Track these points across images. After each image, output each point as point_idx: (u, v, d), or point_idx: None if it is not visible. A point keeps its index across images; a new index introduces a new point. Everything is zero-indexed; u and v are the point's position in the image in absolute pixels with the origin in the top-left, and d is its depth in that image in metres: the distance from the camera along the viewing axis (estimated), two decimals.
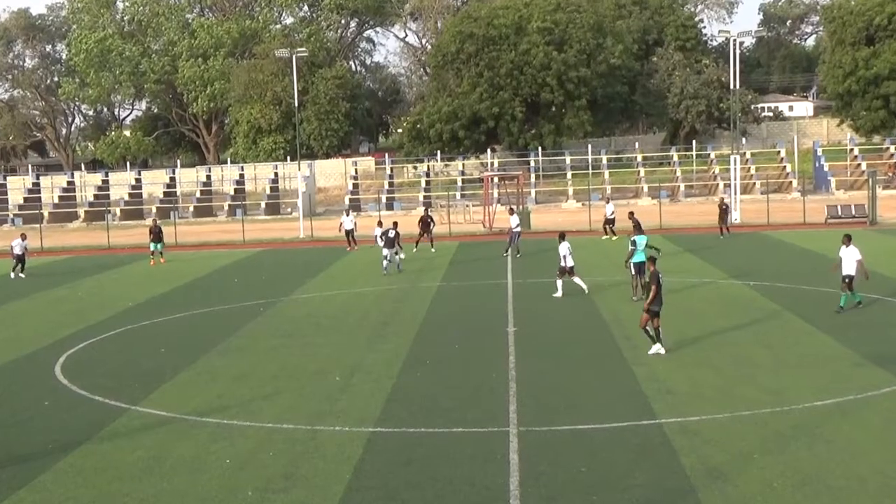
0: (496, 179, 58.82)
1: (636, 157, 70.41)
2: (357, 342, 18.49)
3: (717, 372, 14.95)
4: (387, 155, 76.25)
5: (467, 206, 54.25)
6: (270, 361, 17.00)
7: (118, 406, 14.15)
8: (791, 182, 62.84)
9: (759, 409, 12.69)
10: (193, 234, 49.66)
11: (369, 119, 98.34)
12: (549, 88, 71.65)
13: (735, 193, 45.45)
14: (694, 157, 69.62)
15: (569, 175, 68.04)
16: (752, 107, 77.47)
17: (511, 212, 33.83)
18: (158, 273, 32.27)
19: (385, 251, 29.16)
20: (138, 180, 72.66)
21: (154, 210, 65.38)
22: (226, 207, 65.76)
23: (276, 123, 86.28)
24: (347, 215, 38.19)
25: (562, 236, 23.30)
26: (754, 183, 62.34)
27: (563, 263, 22.70)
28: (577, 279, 22.85)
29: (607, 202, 38.38)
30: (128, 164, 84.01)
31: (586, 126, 73.32)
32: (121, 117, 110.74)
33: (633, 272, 21.97)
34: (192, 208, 66.10)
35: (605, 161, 69.53)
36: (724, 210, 36.02)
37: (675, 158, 68.64)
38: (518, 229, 32.48)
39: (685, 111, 75.12)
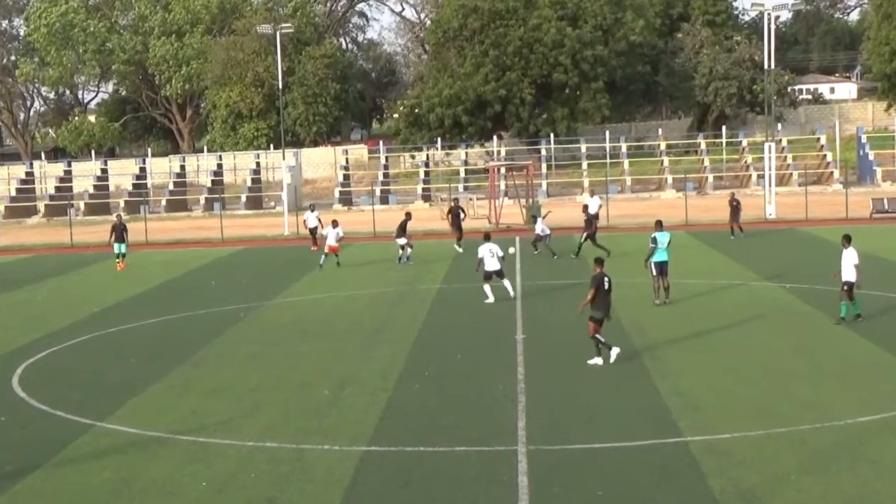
0: (503, 170, 58.85)
1: (659, 145, 70.43)
2: (348, 351, 18.49)
3: (749, 384, 14.95)
4: (381, 143, 76.29)
5: (471, 199, 54.28)
6: (252, 373, 17.00)
7: (82, 422, 14.15)
8: (832, 173, 62.84)
9: (796, 426, 12.69)
10: (166, 231, 49.70)
11: (362, 103, 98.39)
12: (563, 69, 71.65)
13: (769, 185, 45.44)
14: (724, 144, 69.63)
15: (584, 165, 68.07)
16: (789, 89, 77.45)
17: (536, 216, 33.75)
18: (127, 275, 32.28)
19: (400, 241, 30.93)
20: (104, 171, 72.73)
21: (122, 204, 65.43)
22: (202, 201, 65.82)
23: (257, 108, 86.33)
24: (312, 211, 37.62)
25: (486, 237, 23.60)
26: (791, 174, 62.35)
27: (485, 267, 22.81)
28: (506, 283, 23.02)
29: (591, 195, 38.26)
30: (93, 152, 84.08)
31: (603, 110, 73.34)
32: (85, 101, 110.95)
33: (654, 273, 22.00)
34: (164, 202, 66.18)
35: (624, 149, 69.56)
36: (734, 207, 35.79)
37: (703, 146, 68.67)
38: (545, 231, 32.29)
39: (714, 94, 75.08)
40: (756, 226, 40.81)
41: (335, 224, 31.08)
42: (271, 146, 77.49)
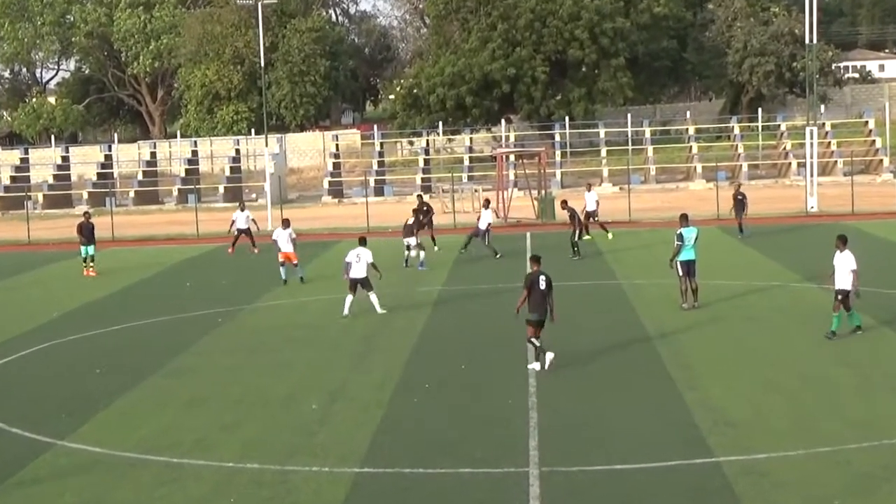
0: (512, 158, 58.82)
1: (687, 130, 70.38)
2: (339, 360, 18.51)
3: (788, 398, 14.95)
4: (375, 127, 76.30)
5: (476, 190, 54.31)
6: (231, 385, 17.02)
7: (41, 441, 14.17)
8: (881, 161, 62.78)
9: (841, 445, 12.69)
10: (135, 226, 49.75)
11: (354, 82, 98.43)
12: (579, 44, 71.61)
13: (811, 175, 45.43)
14: (760, 129, 69.58)
15: (603, 152, 68.06)
16: (833, 66, 77.38)
17: (486, 204, 33.24)
18: (92, 276, 32.29)
19: (407, 240, 30.28)
20: (66, 159, 72.78)
21: (85, 196, 65.50)
22: (175, 193, 65.86)
23: (237, 88, 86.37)
24: (242, 210, 36.26)
25: (361, 241, 23.15)
26: (835, 162, 62.30)
27: (350, 274, 22.40)
28: (372, 296, 22.41)
29: (588, 189, 38.23)
30: (52, 138, 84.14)
31: (625, 91, 73.31)
32: (43, 80, 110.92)
33: (681, 273, 22.01)
34: (132, 194, 66.20)
35: (648, 134, 69.55)
36: (739, 201, 35.64)
37: (737, 131, 68.61)
38: (486, 227, 32.09)
39: (749, 72, 75.02)
40: (797, 220, 40.81)
41: (286, 224, 28.07)
42: (252, 131, 77.47)
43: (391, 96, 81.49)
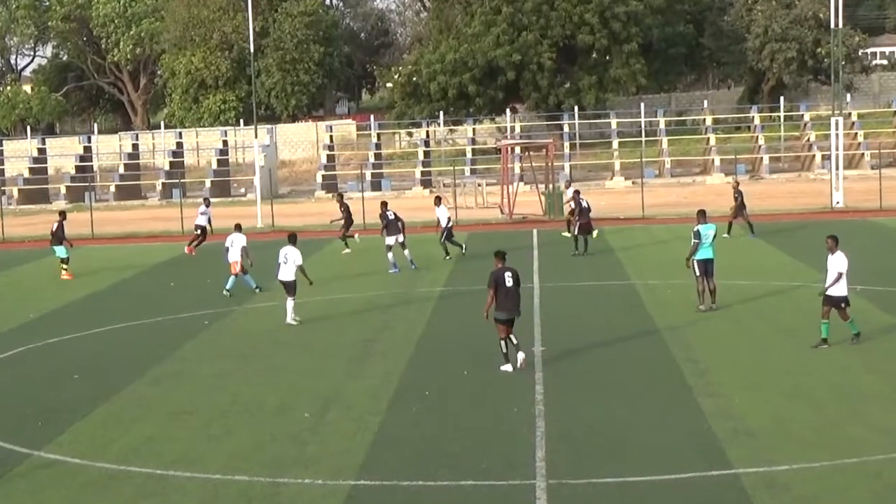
0: (518, 150, 58.79)
1: (704, 120, 70.40)
2: (333, 366, 18.51)
3: (813, 406, 14.95)
4: (372, 117, 76.33)
5: (479, 185, 54.31)
6: (218, 392, 17.02)
7: (16, 451, 14.17)
8: None
9: (869, 456, 12.69)
10: (116, 223, 49.75)
11: (349, 70, 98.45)
12: (589, 28, 71.61)
13: (837, 168, 45.41)
14: (781, 119, 69.57)
15: (615, 144, 68.08)
16: (860, 52, 77.32)
17: (438, 202, 32.48)
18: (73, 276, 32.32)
19: (389, 240, 29.67)
20: (42, 151, 72.80)
21: (63, 190, 65.56)
22: (158, 187, 65.88)
23: (224, 76, 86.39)
24: (207, 206, 36.28)
25: (290, 237, 22.55)
26: (862, 154, 62.29)
27: (279, 276, 21.98)
28: (289, 303, 21.72)
29: (567, 186, 38.29)
30: (28, 129, 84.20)
31: (638, 78, 73.29)
32: (18, 67, 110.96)
33: (698, 273, 22.01)
34: (113, 188, 66.23)
35: (662, 125, 69.57)
36: (740, 200, 35.26)
37: (757, 121, 68.62)
38: (449, 224, 31.78)
39: (770, 58, 74.97)
40: (821, 216, 40.80)
41: (238, 228, 26.87)
42: (241, 121, 77.52)
43: (389, 84, 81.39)
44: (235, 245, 25.87)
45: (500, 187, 47.66)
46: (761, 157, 63.73)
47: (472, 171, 63.83)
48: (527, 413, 14.97)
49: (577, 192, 33.63)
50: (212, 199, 38.71)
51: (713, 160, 63.22)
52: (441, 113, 71.70)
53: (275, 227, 44.41)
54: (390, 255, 29.63)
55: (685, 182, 61.33)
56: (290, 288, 22.10)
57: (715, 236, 22.21)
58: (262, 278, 26.55)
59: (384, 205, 31.12)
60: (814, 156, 62.81)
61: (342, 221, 35.12)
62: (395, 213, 30.04)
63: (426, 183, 64.85)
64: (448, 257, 31.60)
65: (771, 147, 66.34)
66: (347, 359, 19.03)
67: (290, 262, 21.97)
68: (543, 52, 71.77)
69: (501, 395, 16.09)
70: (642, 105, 71.46)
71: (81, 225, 46.28)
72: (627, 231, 38.38)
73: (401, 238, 29.79)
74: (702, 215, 22.43)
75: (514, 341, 17.19)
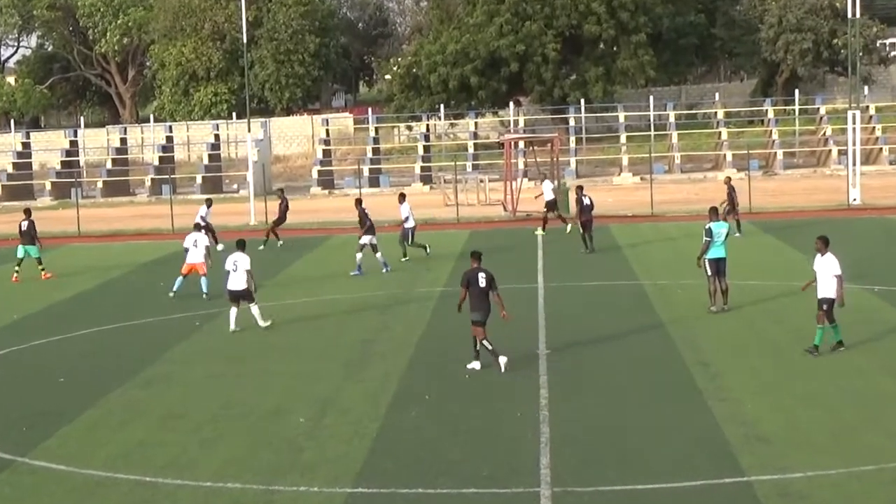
0: (522, 144, 58.77)
1: (716, 114, 70.40)
2: (329, 369, 18.53)
3: (829, 411, 14.95)
4: (370, 111, 76.32)
5: (481, 181, 54.33)
6: (210, 396, 17.04)
7: (1, 458, 14.18)
8: None
9: (887, 462, 12.69)
10: (103, 220, 49.78)
11: (346, 61, 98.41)
12: (596, 18, 71.61)
13: (853, 164, 45.41)
14: (796, 112, 69.58)
15: (623, 138, 68.09)
16: (878, 43, 77.24)
17: (402, 199, 31.96)
18: (56, 275, 32.33)
19: (365, 239, 29.27)
20: (26, 145, 72.82)
21: (48, 186, 65.54)
22: (147, 183, 65.90)
23: (216, 67, 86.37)
24: (209, 207, 35.87)
25: (239, 244, 21.96)
26: (880, 149, 62.26)
27: (228, 286, 21.38)
28: (254, 309, 21.40)
29: (542, 180, 38.36)
30: (12, 122, 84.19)
31: (647, 70, 73.27)
32: (2, 58, 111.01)
33: (710, 273, 22.02)
34: (100, 184, 66.24)
35: (672, 119, 69.60)
36: (729, 195, 35.05)
37: (771, 115, 68.62)
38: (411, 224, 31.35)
39: (784, 49, 74.93)
40: (837, 214, 40.80)
41: (199, 227, 26.78)
42: (233, 115, 77.54)
43: (388, 76, 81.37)
44: (199, 245, 25.60)
45: (503, 183, 47.66)
46: (775, 153, 63.72)
47: (474, 167, 63.85)
48: (531, 417, 14.98)
49: (580, 189, 33.64)
50: (203, 195, 38.55)
51: (725, 155, 63.22)
52: (442, 106, 71.69)
53: (268, 224, 44.33)
54: (360, 255, 29.15)
55: (696, 178, 61.34)
56: (246, 296, 21.55)
57: (727, 235, 22.21)
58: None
59: (360, 202, 30.77)
60: (830, 151, 62.79)
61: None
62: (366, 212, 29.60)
63: (426, 179, 64.86)
64: (406, 258, 30.88)
65: (785, 142, 66.33)
66: (344, 361, 19.04)
67: (239, 268, 21.39)
68: (548, 42, 71.76)
69: (504, 398, 16.09)
70: (651, 98, 71.46)
71: (67, 222, 46.33)
72: (636, 229, 38.39)
73: (374, 240, 29.38)
74: (714, 213, 22.46)
75: (489, 347, 17.54)
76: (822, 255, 18.07)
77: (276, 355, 19.87)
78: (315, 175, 65.33)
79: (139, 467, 13.53)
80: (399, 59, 78.54)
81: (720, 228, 22.07)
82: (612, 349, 19.28)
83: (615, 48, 73.62)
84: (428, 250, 31.78)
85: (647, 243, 34.50)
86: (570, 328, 21.25)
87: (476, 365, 17.73)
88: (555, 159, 48.16)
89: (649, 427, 14.46)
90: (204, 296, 25.88)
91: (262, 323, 21.88)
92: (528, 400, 15.89)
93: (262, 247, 34.53)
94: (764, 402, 15.38)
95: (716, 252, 21.95)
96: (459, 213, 45.16)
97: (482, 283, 17.51)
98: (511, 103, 73.32)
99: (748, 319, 21.38)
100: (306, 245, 37.79)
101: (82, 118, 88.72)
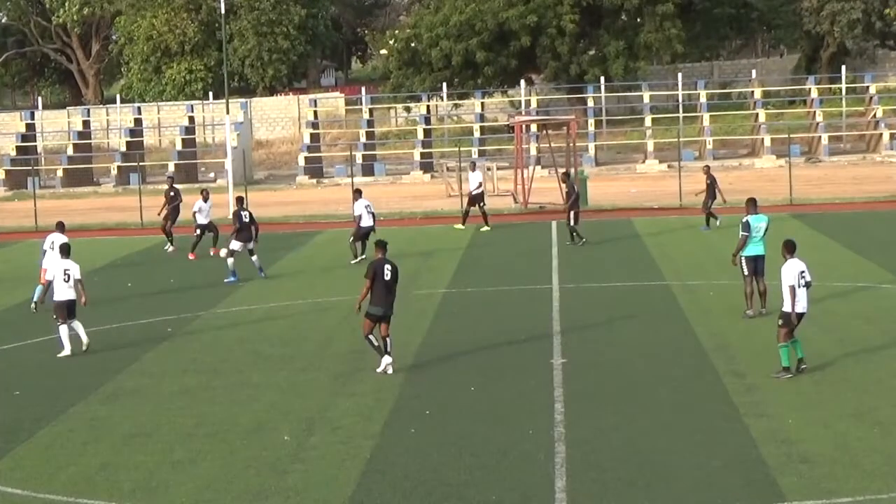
0: (534, 128, 58.70)
1: (752, 93, 70.30)
2: (318, 382, 18.52)
3: (881, 428, 14.92)
4: (363, 90, 76.30)
5: (489, 169, 54.26)
6: (183, 412, 17.02)
7: None
8: None
9: None
10: (63, 213, 49.59)
11: (336, 34, 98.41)
12: None
13: None
14: (843, 92, 69.47)
15: (648, 121, 68.03)
16: None
17: (358, 195, 31.67)
18: (9, 275, 32.32)
19: (235, 245, 28.33)
20: None
21: (1, 175, 65.46)
22: (113, 171, 65.88)
23: (191, 41, 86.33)
24: (206, 200, 34.11)
25: (63, 250, 21.52)
26: None
27: (56, 297, 20.83)
28: (77, 325, 20.94)
29: (472, 169, 38.36)
30: None
31: (674, 45, 73.09)
32: None
33: (747, 272, 21.95)
34: (60, 173, 66.23)
35: (703, 99, 69.48)
36: (709, 185, 35.12)
37: (814, 94, 68.52)
38: (369, 223, 30.83)
39: (829, 20, 74.82)
40: (889, 206, 40.72)
41: (60, 227, 25.44)
42: (210, 95, 77.52)
43: (383, 51, 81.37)
44: (70, 277, 24.59)
45: (514, 172, 47.62)
46: (819, 137, 63.63)
47: (481, 153, 63.76)
48: (544, 435, 14.96)
49: (567, 175, 34.03)
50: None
51: (763, 140, 63.14)
52: (444, 85, 71.61)
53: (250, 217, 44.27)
54: (231, 261, 28.50)
55: (730, 165, 61.27)
56: (72, 310, 20.92)
57: (767, 229, 22.11)
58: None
59: (240, 201, 30.42)
60: (881, 135, 62.70)
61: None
62: (250, 215, 29.05)
63: (426, 167, 64.83)
64: (361, 258, 30.18)
65: (831, 125, 66.23)
66: (334, 373, 19.02)
67: (70, 278, 20.85)
68: (564, 13, 71.62)
69: (515, 414, 16.08)
70: (680, 76, 71.36)
71: (23, 216, 46.33)
72: (662, 223, 38.35)
73: (251, 245, 28.68)
74: (752, 204, 22.35)
75: (375, 343, 18.38)
76: (788, 259, 17.91)
77: (256, 366, 19.85)
78: (302, 162, 65.28)
79: (104, 492, 13.50)
80: (396, 31, 78.47)
81: (759, 222, 22.00)
82: (636, 359, 19.24)
83: (639, 19, 73.44)
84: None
85: (676, 239, 34.46)
86: (589, 336, 21.22)
87: (387, 360, 18.42)
88: (571, 145, 48.07)
89: (677, 446, 14.44)
90: (32, 305, 25.12)
91: (85, 339, 20.98)
92: (541, 416, 15.87)
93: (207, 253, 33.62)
94: (807, 419, 15.35)
95: (754, 249, 21.87)
96: (464, 205, 45.07)
97: (387, 275, 18.26)
98: (522, 82, 73.22)
99: None
100: (292, 241, 37.77)
101: (40, 98, 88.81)
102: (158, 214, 36.54)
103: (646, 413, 15.99)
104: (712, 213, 34.90)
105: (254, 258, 28.95)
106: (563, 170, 38.88)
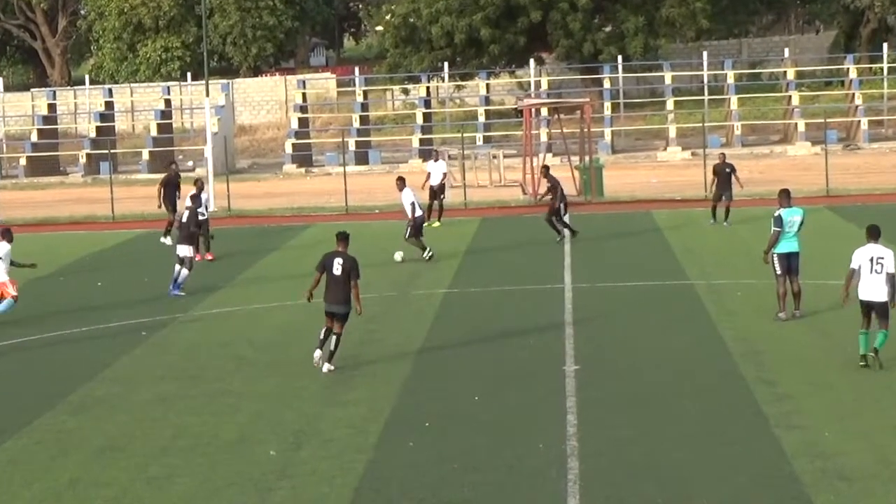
0: (545, 112, 58.66)
1: (785, 73, 70.28)
2: (307, 390, 18.53)
3: None
4: (357, 70, 76.27)
5: (494, 157, 54.28)
6: (159, 423, 17.03)
7: None
8: None
9: None
10: (28, 206, 49.77)
11: (327, 9, 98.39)
12: None
13: None
14: (885, 72, 69.41)
15: (669, 104, 68.01)
16: None
17: (402, 183, 31.19)
18: None
19: (183, 250, 27.19)
20: None
21: None
22: (82, 159, 65.90)
23: (167, 16, 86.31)
24: (200, 191, 32.79)
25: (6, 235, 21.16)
26: None
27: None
28: None
29: (435, 160, 38.35)
30: None
31: (699, 20, 73.14)
32: None
33: (779, 271, 21.92)
34: (24, 161, 66.23)
35: (731, 80, 69.49)
36: (727, 175, 34.95)
37: (853, 75, 68.49)
38: (419, 213, 30.97)
39: None
40: None
41: (5, 234, 24.77)
42: (188, 75, 77.51)
43: (379, 28, 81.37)
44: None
45: (522, 160, 47.61)
46: (858, 121, 63.62)
47: (486, 140, 63.77)
48: (556, 449, 14.96)
49: (546, 168, 33.97)
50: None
51: (796, 125, 63.14)
52: (445, 64, 71.62)
53: (231, 211, 44.41)
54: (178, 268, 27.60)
55: (760, 153, 61.26)
56: None
57: (801, 224, 22.05)
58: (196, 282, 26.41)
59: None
60: None
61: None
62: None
63: (426, 154, 64.57)
64: (430, 253, 30.38)
65: (871, 108, 66.20)
66: (325, 381, 19.02)
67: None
68: None
69: (523, 426, 16.08)
70: (705, 54, 71.33)
71: None
72: (685, 216, 38.34)
73: (186, 251, 27.61)
74: (785, 196, 22.30)
75: (335, 343, 19.19)
76: (872, 244, 18.36)
77: (240, 373, 19.85)
78: (289, 150, 65.29)
79: None
80: (393, 6, 78.45)
81: (792, 216, 21.94)
82: (656, 365, 19.24)
83: None
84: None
85: (700, 234, 34.45)
86: (605, 340, 21.23)
87: (317, 355, 19.21)
88: (585, 130, 48.09)
89: (701, 461, 14.45)
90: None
91: None
92: (552, 428, 15.87)
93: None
94: (845, 431, 15.35)
95: (787, 245, 21.85)
96: (468, 196, 45.12)
97: (336, 270, 18.98)
98: (531, 61, 73.22)
99: (824, 328, 21.34)
100: (278, 236, 37.76)
101: (1, 79, 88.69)
102: (159, 207, 36.06)
103: (666, 425, 15.99)
104: (720, 207, 34.73)
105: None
106: (543, 164, 38.50)
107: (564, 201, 33.33)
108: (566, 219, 33.33)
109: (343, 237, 19.47)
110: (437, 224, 37.07)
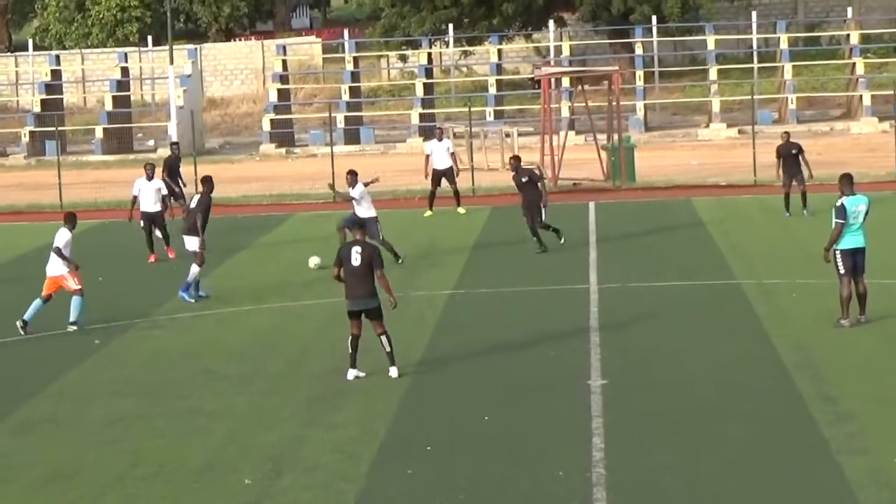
0: (566, 82, 58.63)
1: (848, 37, 70.19)
2: (287, 408, 18.55)
3: None
4: (346, 33, 76.22)
5: (508, 135, 54.28)
6: (115, 446, 17.05)
7: None
8: None
9: None
10: None
11: None
12: None
13: None
14: None
15: (713, 73, 67.93)
16: None
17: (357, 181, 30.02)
18: None
19: (191, 243, 27.12)
20: None
21: None
22: (25, 137, 65.91)
23: None
24: (150, 179, 33.07)
25: None
26: None
27: None
28: None
29: (439, 139, 38.14)
30: None
31: None
32: None
33: (843, 270, 21.83)
34: None
35: (784, 45, 69.39)
36: (794, 156, 34.49)
37: None
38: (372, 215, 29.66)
39: None
40: None
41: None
42: (149, 40, 77.51)
43: None
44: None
45: (540, 138, 47.61)
46: None
47: (498, 115, 63.75)
48: (578, 477, 14.97)
49: (516, 159, 32.30)
50: (108, 158, 38.34)
51: (861, 98, 63.11)
52: (450, 27, 71.64)
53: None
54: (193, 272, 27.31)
55: (819, 130, 61.21)
56: None
57: (867, 214, 21.93)
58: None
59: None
60: None
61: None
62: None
63: (427, 132, 64.74)
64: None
65: None
66: (309, 398, 19.05)
67: None
68: None
69: (541, 449, 16.10)
70: (754, 15, 71.28)
71: None
72: (731, 205, 38.37)
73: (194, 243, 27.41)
74: (847, 182, 22.18)
75: (388, 347, 19.34)
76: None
77: (209, 388, 19.86)
78: (267, 127, 65.22)
79: None
80: None
81: (858, 205, 21.82)
82: (696, 380, 19.25)
83: None
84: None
85: (749, 226, 34.45)
86: (637, 350, 21.23)
87: (352, 374, 19.37)
88: (614, 104, 48.04)
89: (749, 491, 14.46)
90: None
91: None
92: (574, 452, 15.89)
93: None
94: None
95: (852, 240, 21.72)
96: (476, 179, 45.11)
97: (355, 261, 19.12)
98: (550, 22, 73.16)
99: (894, 336, 21.33)
100: (256, 228, 37.76)
101: None
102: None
103: (708, 449, 16.00)
104: (801, 193, 34.32)
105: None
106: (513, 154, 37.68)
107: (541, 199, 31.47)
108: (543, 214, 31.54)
109: (359, 224, 20.03)
110: (462, 210, 37.08)
